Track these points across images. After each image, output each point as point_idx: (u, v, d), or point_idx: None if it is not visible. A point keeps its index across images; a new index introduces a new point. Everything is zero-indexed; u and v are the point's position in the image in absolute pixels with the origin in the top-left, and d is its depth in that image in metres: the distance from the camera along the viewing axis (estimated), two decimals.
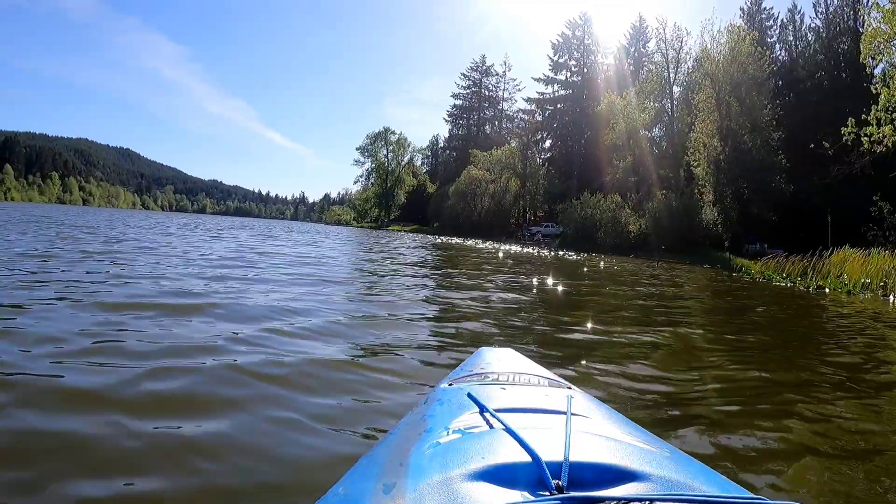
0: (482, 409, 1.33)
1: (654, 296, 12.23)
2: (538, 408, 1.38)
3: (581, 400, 1.50)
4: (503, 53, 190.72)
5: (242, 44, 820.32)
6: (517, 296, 9.53)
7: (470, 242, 40.28)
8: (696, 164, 41.35)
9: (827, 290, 17.17)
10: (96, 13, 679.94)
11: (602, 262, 24.34)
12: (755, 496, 0.97)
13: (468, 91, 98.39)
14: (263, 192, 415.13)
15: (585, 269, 19.49)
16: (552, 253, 30.74)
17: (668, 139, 48.53)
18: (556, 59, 76.78)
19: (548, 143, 78.00)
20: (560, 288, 12.02)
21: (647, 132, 52.92)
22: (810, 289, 17.56)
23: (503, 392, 1.53)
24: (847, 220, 32.27)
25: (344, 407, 3.22)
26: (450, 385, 1.69)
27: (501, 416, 1.25)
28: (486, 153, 73.89)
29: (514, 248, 33.82)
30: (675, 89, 49.24)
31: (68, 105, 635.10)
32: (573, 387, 1.71)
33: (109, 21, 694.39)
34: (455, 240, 48.08)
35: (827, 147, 27.45)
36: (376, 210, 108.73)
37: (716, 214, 38.45)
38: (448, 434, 1.21)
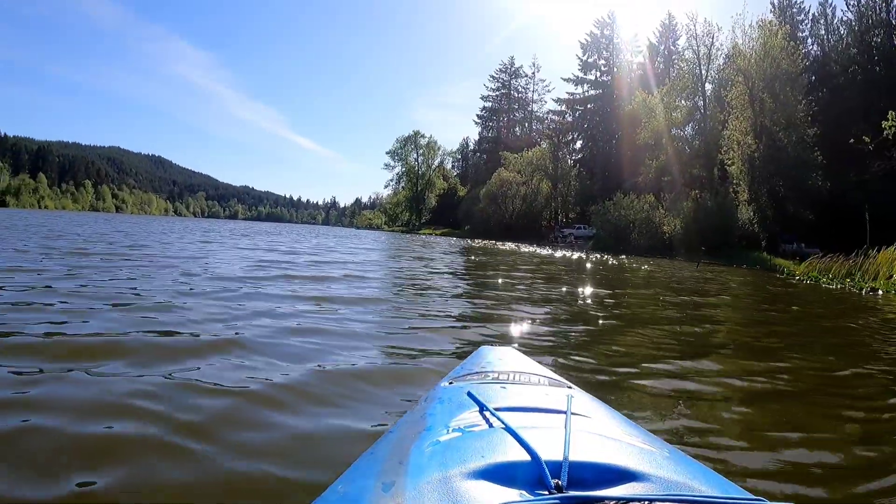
0: (482, 408, 1.34)
1: (720, 309, 10.64)
2: (538, 407, 1.39)
3: (581, 399, 1.52)
4: (532, 54, 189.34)
5: (269, 50, 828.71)
6: (566, 312, 8.00)
7: (503, 246, 40.07)
8: (730, 162, 40.80)
9: (880, 292, 16.12)
10: (124, 22, 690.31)
11: (644, 266, 23.32)
12: (755, 497, 0.98)
13: (497, 93, 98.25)
14: (294, 197, 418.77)
15: (627, 275, 18.49)
16: (587, 256, 30.32)
17: (700, 137, 47.81)
18: (584, 58, 76.26)
19: (578, 144, 77.41)
20: (611, 300, 10.28)
21: (679, 130, 52.44)
22: (863, 291, 16.46)
23: (503, 391, 1.53)
24: (886, 217, 31.60)
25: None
26: (450, 384, 1.70)
27: (501, 414, 1.26)
28: (516, 155, 73.69)
29: (547, 252, 33.44)
30: (707, 86, 48.55)
31: (100, 114, 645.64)
32: (573, 386, 1.72)
33: (137, 29, 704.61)
34: (486, 243, 47.82)
35: (867, 142, 27.05)
36: (407, 214, 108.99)
37: (751, 213, 37.91)
38: (448, 433, 1.22)
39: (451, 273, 12.85)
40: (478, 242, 48.49)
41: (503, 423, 1.19)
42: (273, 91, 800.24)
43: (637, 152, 50.05)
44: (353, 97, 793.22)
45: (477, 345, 2.94)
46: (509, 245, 42.56)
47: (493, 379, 1.67)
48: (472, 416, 1.32)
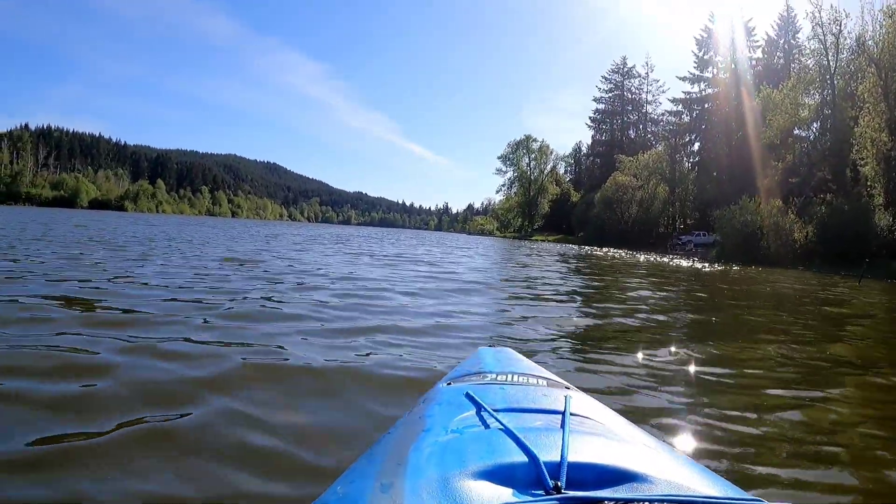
0: (480, 409, 1.35)
1: None
2: (536, 408, 1.39)
3: (579, 400, 1.51)
4: (644, 54, 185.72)
5: (380, 59, 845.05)
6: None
7: (619, 254, 38.85)
8: (863, 162, 38.30)
9: None
10: (238, 35, 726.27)
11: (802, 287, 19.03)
12: (754, 497, 0.99)
13: (610, 94, 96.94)
14: (407, 203, 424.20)
15: (804, 303, 13.60)
16: (714, 266, 28.69)
17: (830, 135, 45.21)
18: (701, 55, 74.19)
19: (696, 146, 74.78)
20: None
21: (805, 129, 50.04)
22: None
23: (501, 392, 1.53)
24: None
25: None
26: (448, 385, 1.69)
27: (499, 415, 1.27)
28: (632, 158, 72.33)
29: (672, 261, 32.29)
30: (836, 79, 45.48)
31: (217, 124, 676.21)
32: (571, 387, 1.70)
33: (251, 42, 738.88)
34: (602, 251, 46.67)
35: None
36: (519, 219, 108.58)
37: (890, 219, 34.91)
38: (446, 434, 1.23)
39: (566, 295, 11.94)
40: (591, 250, 47.36)
41: (501, 423, 1.20)
42: (385, 99, 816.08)
43: (761, 153, 47.65)
44: (463, 104, 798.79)
45: None
46: (627, 254, 41.28)
47: (491, 380, 1.67)
48: (470, 417, 1.33)
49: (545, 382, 1.67)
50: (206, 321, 5.61)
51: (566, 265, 21.24)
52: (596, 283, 15.21)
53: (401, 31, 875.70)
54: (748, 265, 33.49)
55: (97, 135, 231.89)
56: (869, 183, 37.76)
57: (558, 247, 53.26)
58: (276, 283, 9.46)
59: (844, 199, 37.18)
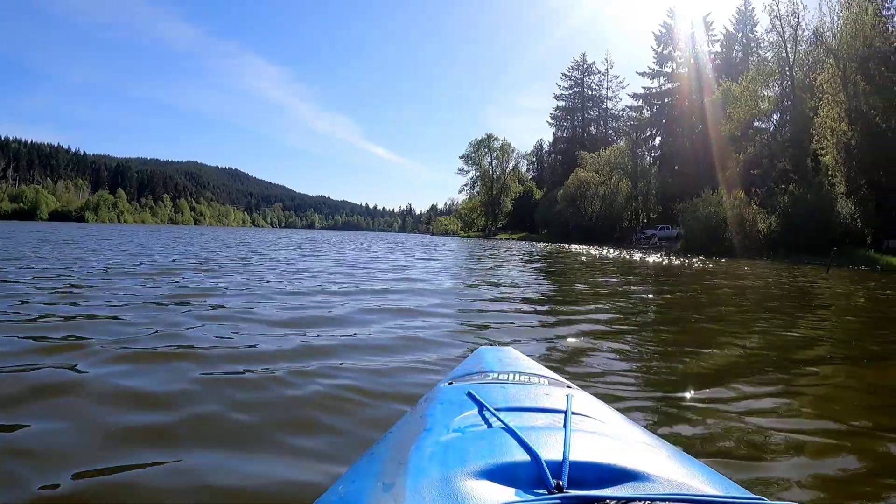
0: (482, 408, 1.33)
1: None
2: (538, 407, 1.37)
3: (581, 399, 1.49)
4: (604, 50, 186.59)
5: (341, 62, 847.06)
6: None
7: (587, 251, 38.08)
8: (823, 152, 38.33)
9: None
10: (198, 41, 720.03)
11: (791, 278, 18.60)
12: (756, 496, 0.97)
13: (570, 91, 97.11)
14: (370, 206, 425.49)
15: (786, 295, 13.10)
16: (681, 261, 28.07)
17: (790, 126, 45.29)
18: (660, 50, 74.48)
19: (657, 140, 74.80)
20: None
21: (765, 121, 50.22)
22: None
23: (503, 391, 1.51)
24: None
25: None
26: (450, 384, 1.66)
27: (501, 414, 1.26)
28: (593, 154, 72.64)
29: (637, 256, 31.75)
30: (795, 70, 45.68)
31: (178, 130, 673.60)
32: (573, 386, 1.68)
33: (210, 47, 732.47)
34: (567, 247, 46.36)
35: None
36: (483, 219, 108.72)
37: (852, 207, 35.07)
38: (448, 433, 1.21)
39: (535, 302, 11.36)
40: (555, 246, 47.09)
41: (503, 423, 1.20)
42: (347, 102, 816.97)
43: (722, 146, 47.59)
44: (426, 105, 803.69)
45: None
46: (591, 249, 40.88)
47: (492, 379, 1.65)
48: (472, 416, 1.31)
49: (547, 381, 1.65)
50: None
51: (532, 266, 20.62)
52: (573, 288, 14.72)
53: (363, 34, 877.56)
54: (713, 257, 33.21)
55: (56, 145, 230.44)
56: (830, 172, 37.74)
57: (525, 245, 52.71)
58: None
59: (807, 189, 37.10)
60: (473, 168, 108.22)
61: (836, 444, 3.11)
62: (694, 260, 28.86)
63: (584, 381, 3.91)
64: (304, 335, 5.35)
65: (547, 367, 1.95)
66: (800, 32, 45.21)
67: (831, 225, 34.13)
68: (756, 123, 49.79)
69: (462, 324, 6.48)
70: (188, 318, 6.03)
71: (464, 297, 9.21)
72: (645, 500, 0.91)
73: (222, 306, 7.05)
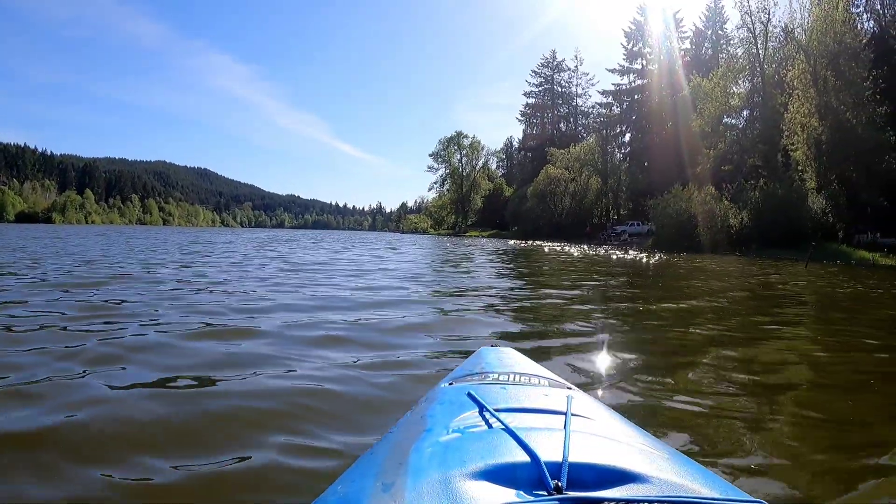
0: (482, 409, 1.34)
1: None
2: (538, 408, 1.38)
3: (581, 400, 1.50)
4: (574, 47, 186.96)
5: (308, 59, 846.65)
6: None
7: (562, 248, 37.58)
8: (793, 147, 38.31)
9: None
10: (165, 39, 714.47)
11: (775, 275, 18.26)
12: (755, 499, 0.98)
13: (540, 89, 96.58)
14: (340, 204, 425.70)
15: (762, 285, 13.66)
16: (652, 257, 27.45)
17: (761, 122, 45.18)
18: (629, 47, 74.14)
19: (628, 137, 74.70)
20: None
21: (735, 116, 50.16)
22: None
23: (503, 392, 1.51)
24: None
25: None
26: (450, 384, 1.67)
27: (501, 415, 1.26)
28: (563, 151, 72.35)
29: (609, 253, 31.21)
30: (765, 66, 45.61)
31: (146, 130, 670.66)
32: (573, 387, 1.69)
33: (178, 45, 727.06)
34: (537, 243, 46.14)
35: None
36: (453, 216, 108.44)
37: (823, 203, 34.81)
38: (448, 433, 1.22)
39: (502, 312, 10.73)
40: (526, 244, 46.69)
41: (503, 423, 1.20)
42: (314, 99, 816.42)
43: (693, 141, 47.39)
44: (396, 103, 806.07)
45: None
46: (562, 246, 40.49)
47: (493, 380, 1.64)
48: (472, 416, 1.31)
49: (547, 382, 1.65)
50: None
51: (505, 267, 19.91)
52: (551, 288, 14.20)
53: (331, 31, 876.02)
54: (684, 253, 32.85)
55: (22, 145, 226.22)
56: (800, 167, 37.83)
57: (496, 243, 52.01)
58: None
59: (778, 184, 36.91)
60: (443, 165, 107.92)
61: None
62: (665, 256, 28.47)
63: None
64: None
65: (547, 367, 1.92)
66: (770, 29, 45.35)
67: (802, 220, 33.89)
68: (726, 119, 49.71)
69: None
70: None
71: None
72: (644, 501, 0.92)
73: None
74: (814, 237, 31.39)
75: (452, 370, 1.93)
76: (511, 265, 18.30)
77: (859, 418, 3.57)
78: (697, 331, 6.47)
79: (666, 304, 8.78)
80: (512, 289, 10.45)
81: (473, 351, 2.14)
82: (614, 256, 26.91)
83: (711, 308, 8.63)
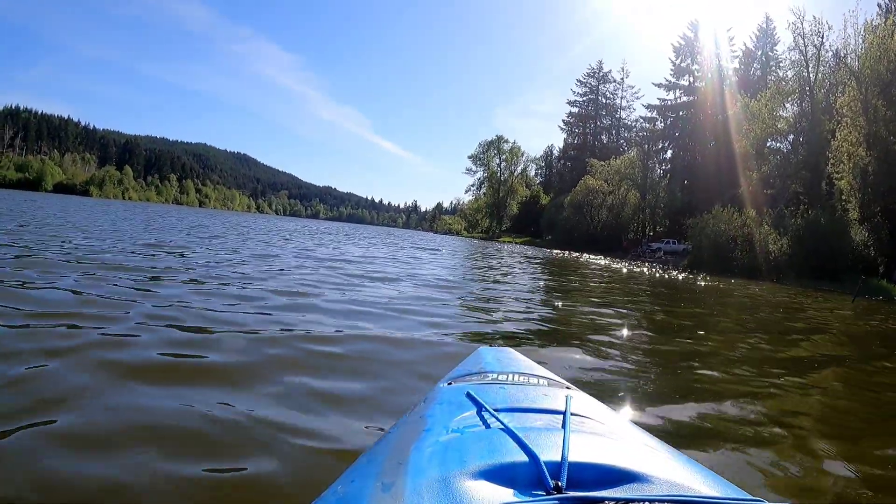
0: (481, 409, 1.34)
1: None
2: (537, 407, 1.38)
3: (580, 400, 1.50)
4: (621, 59, 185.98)
5: (354, 54, 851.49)
6: None
7: (607, 264, 37.29)
8: (838, 176, 37.61)
9: None
10: (212, 23, 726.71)
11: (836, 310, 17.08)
12: (754, 498, 0.98)
13: (584, 98, 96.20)
14: (376, 200, 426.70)
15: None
16: (694, 278, 27.14)
17: (807, 147, 44.51)
18: (678, 62, 73.48)
19: (669, 153, 74.07)
20: None
21: (780, 140, 49.49)
22: None
23: (502, 391, 1.52)
24: None
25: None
26: (449, 384, 1.67)
27: (500, 415, 1.26)
28: (603, 163, 72.06)
29: (646, 270, 30.97)
30: (815, 91, 44.66)
31: (188, 111, 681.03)
32: (572, 387, 1.69)
33: (225, 31, 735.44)
34: (572, 254, 45.94)
35: None
36: (487, 220, 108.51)
37: (865, 234, 34.21)
38: (447, 433, 1.22)
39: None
40: (561, 254, 46.58)
41: (502, 423, 1.20)
42: (357, 94, 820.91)
43: (735, 163, 46.88)
44: (437, 103, 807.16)
45: None
46: (598, 259, 40.30)
47: (492, 380, 1.65)
48: (471, 416, 1.32)
49: (546, 382, 1.66)
50: None
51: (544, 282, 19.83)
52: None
53: (378, 26, 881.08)
54: (720, 275, 32.45)
55: (66, 117, 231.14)
56: (844, 197, 37.08)
57: (529, 250, 51.94)
58: None
59: (821, 212, 36.32)
60: (481, 169, 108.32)
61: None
62: (702, 278, 28.14)
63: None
64: None
65: (546, 368, 1.94)
66: (822, 52, 44.46)
67: (844, 251, 33.29)
68: (771, 143, 49.07)
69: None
70: None
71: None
72: (643, 501, 0.92)
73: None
74: (854, 270, 30.84)
75: (451, 370, 1.93)
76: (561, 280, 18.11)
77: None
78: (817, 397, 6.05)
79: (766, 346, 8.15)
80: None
81: (472, 351, 2.15)
82: (658, 275, 26.73)
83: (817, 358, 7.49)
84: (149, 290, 6.64)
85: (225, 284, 7.75)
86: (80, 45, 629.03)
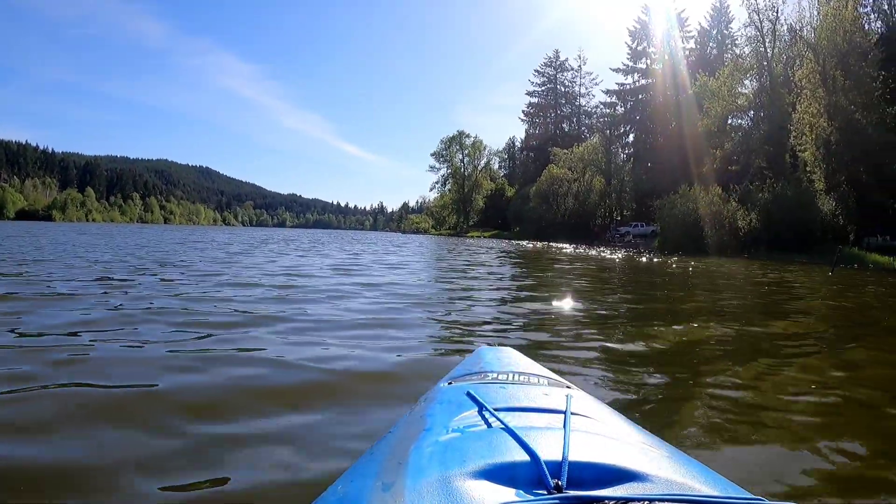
0: (481, 408, 1.34)
1: None
2: (538, 407, 1.38)
3: (581, 399, 1.49)
4: (577, 47, 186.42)
5: (313, 59, 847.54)
6: None
7: (566, 249, 36.85)
8: (802, 148, 37.58)
9: None
10: (170, 36, 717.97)
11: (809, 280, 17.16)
12: (755, 496, 0.98)
13: (543, 88, 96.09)
14: (342, 204, 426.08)
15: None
16: (666, 259, 26.73)
17: (768, 122, 44.49)
18: (634, 46, 73.75)
19: (631, 137, 74.24)
20: None
21: (743, 116, 49.53)
22: None
23: (503, 391, 1.51)
24: None
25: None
26: (449, 384, 1.67)
27: (501, 415, 1.26)
28: (566, 151, 71.94)
29: (616, 255, 30.56)
30: (773, 65, 44.83)
31: (148, 128, 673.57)
32: (573, 386, 1.67)
33: (182, 44, 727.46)
34: (541, 245, 45.54)
35: None
36: (454, 217, 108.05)
37: (833, 204, 34.16)
38: (447, 433, 1.21)
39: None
40: (529, 245, 46.26)
41: (502, 423, 1.19)
42: (318, 99, 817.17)
43: (698, 142, 46.73)
44: (398, 103, 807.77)
45: None
46: (566, 247, 39.89)
47: (492, 379, 1.63)
48: (471, 416, 1.31)
49: (546, 382, 1.65)
50: None
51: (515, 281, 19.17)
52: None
53: (336, 32, 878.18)
54: (692, 255, 32.11)
55: (24, 142, 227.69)
56: (809, 168, 37.03)
57: (500, 244, 51.52)
58: None
59: (787, 185, 36.21)
60: (445, 165, 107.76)
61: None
62: (675, 259, 27.78)
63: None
64: None
65: (546, 366, 1.92)
66: (778, 27, 44.64)
67: (813, 222, 33.20)
68: (732, 119, 49.17)
69: None
70: None
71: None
72: (644, 500, 0.91)
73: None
74: (824, 240, 30.76)
75: (451, 370, 1.88)
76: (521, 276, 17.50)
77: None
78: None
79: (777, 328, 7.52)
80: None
81: (472, 350, 2.11)
82: (631, 261, 25.98)
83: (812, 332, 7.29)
84: None
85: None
86: (33, 68, 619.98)
